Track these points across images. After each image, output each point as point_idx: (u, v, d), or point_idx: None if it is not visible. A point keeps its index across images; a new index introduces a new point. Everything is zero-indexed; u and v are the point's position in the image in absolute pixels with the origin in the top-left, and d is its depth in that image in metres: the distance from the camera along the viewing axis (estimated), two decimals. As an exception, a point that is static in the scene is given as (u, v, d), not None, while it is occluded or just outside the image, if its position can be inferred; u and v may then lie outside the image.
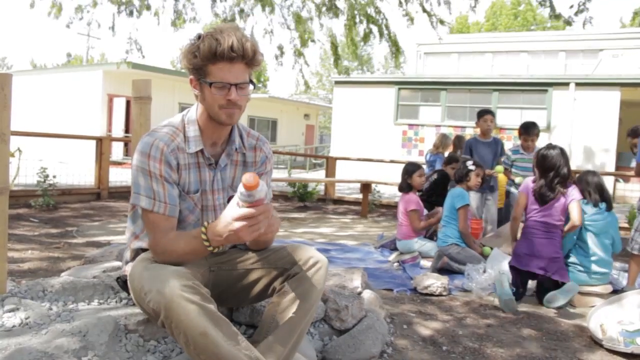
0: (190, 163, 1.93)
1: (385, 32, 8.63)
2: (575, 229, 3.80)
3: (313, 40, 9.32)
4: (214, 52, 1.76)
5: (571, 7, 7.38)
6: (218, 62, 1.79)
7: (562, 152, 3.84)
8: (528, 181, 3.99)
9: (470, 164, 4.93)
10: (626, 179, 12.10)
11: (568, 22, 7.59)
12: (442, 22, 8.22)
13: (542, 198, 3.80)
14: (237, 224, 1.61)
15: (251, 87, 1.88)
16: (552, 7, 7.52)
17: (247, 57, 1.81)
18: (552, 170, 3.79)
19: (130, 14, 8.75)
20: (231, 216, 1.63)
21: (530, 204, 3.90)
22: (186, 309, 1.58)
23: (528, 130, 5.48)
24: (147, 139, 1.87)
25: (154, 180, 1.83)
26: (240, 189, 1.59)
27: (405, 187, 5.34)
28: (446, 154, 7.28)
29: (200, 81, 1.84)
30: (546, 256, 3.69)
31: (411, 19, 8.35)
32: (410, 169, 5.39)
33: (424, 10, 8.18)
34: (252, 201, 1.60)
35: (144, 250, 1.97)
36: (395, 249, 5.53)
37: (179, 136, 1.91)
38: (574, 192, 3.80)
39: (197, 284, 1.67)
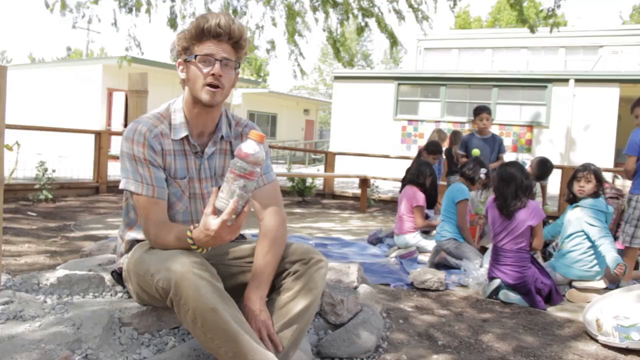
0: (176, 150, 1.94)
1: (383, 24, 8.64)
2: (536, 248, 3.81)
3: (301, 35, 9.33)
4: (201, 28, 1.81)
5: (541, 11, 7.45)
6: (205, 39, 1.83)
7: (521, 168, 3.88)
8: (490, 200, 4.02)
9: (483, 173, 4.88)
10: (625, 175, 12.12)
11: (532, 29, 7.63)
12: (425, 18, 8.24)
13: (504, 210, 3.79)
14: (214, 226, 1.62)
15: (236, 71, 1.91)
16: (520, 10, 7.55)
17: (234, 37, 1.84)
18: (512, 182, 3.79)
19: (130, 10, 8.75)
20: (206, 224, 1.64)
21: (492, 223, 3.91)
22: (197, 284, 1.60)
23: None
24: (131, 126, 1.91)
25: (139, 164, 1.86)
26: (237, 161, 1.59)
27: (421, 182, 5.35)
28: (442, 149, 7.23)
29: (186, 61, 1.88)
30: (510, 282, 3.67)
31: (402, 17, 8.38)
32: (433, 170, 5.51)
33: (410, 6, 8.22)
34: (247, 172, 1.59)
35: (138, 241, 1.98)
36: (381, 240, 5.58)
37: (163, 123, 1.93)
38: (536, 212, 3.74)
39: (205, 262, 1.70)
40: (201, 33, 1.82)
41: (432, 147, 6.41)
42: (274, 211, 2.01)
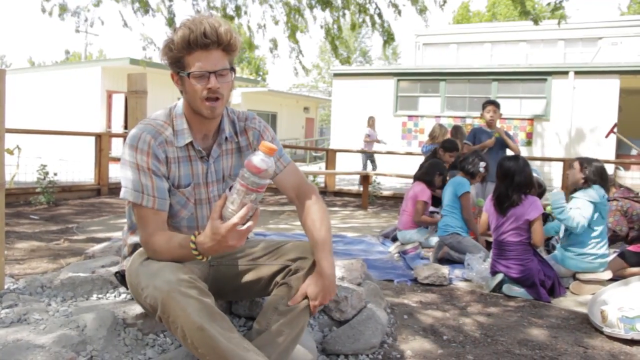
0: (180, 157, 1.89)
1: (379, 21, 8.62)
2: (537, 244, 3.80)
3: (302, 31, 9.32)
4: (188, 40, 1.74)
5: (548, 4, 7.50)
6: (193, 51, 1.76)
7: (522, 161, 3.85)
8: (488, 199, 4.03)
9: (482, 166, 4.86)
10: (626, 166, 12.12)
11: (535, 21, 7.67)
12: (422, 10, 8.24)
13: (500, 205, 3.81)
14: (224, 230, 1.57)
15: (232, 74, 1.85)
16: (522, 3, 7.59)
17: (223, 42, 1.77)
18: (508, 178, 3.80)
19: (146, 12, 8.72)
20: (214, 228, 1.58)
21: (491, 220, 3.92)
22: (182, 303, 1.56)
23: None
24: (134, 132, 1.84)
25: (141, 174, 1.80)
26: (249, 175, 1.53)
27: (430, 181, 5.31)
28: None
29: (179, 74, 1.82)
30: (514, 275, 3.67)
31: (398, 11, 8.38)
32: (444, 170, 5.44)
33: None
34: (259, 186, 1.55)
35: (140, 245, 1.96)
36: (395, 239, 5.53)
37: (167, 129, 1.87)
38: (534, 207, 3.73)
39: (194, 278, 1.65)
40: (188, 45, 1.75)
41: (447, 145, 5.96)
42: (305, 187, 2.04)
